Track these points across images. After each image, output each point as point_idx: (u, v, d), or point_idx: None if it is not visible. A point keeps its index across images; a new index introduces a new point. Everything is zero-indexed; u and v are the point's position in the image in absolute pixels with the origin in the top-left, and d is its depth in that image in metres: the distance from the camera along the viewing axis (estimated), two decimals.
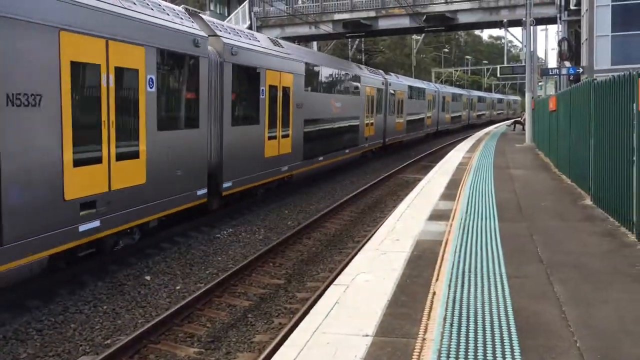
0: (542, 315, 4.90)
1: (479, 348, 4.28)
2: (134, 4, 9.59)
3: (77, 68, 8.08)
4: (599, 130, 9.66)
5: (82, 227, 8.25)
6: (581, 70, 25.20)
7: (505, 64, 36.40)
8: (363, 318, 4.93)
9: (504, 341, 4.39)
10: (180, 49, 10.72)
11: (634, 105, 7.45)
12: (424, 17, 32.31)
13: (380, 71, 30.87)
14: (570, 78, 26.84)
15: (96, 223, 8.54)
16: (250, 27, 33.27)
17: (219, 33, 12.66)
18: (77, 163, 8.08)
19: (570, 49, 28.79)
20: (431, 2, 32.32)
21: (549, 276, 6.00)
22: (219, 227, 12.58)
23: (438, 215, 9.40)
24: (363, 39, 54.31)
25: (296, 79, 16.71)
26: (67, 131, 7.88)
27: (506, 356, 4.13)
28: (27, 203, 7.26)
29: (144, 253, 10.26)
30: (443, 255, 6.87)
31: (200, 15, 12.93)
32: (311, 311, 5.27)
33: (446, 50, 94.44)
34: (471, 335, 4.52)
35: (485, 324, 4.72)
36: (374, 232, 9.36)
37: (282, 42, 17.26)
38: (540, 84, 40.34)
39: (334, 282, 6.14)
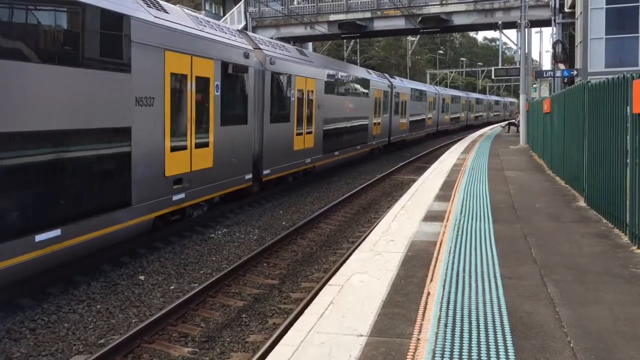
0: (536, 316, 4.92)
1: (473, 348, 4.29)
2: (205, 27, 12.02)
3: (174, 77, 10.53)
4: (593, 132, 9.70)
5: (175, 198, 10.72)
6: (575, 72, 25.32)
7: (500, 66, 36.47)
8: (358, 318, 4.93)
9: (498, 341, 4.40)
10: (235, 60, 13.12)
11: (627, 107, 7.48)
12: (419, 18, 32.41)
13: (386, 75, 31.67)
14: (564, 80, 26.97)
15: (182, 195, 10.98)
16: (245, 28, 33.25)
17: (261, 46, 15.24)
18: (173, 149, 10.54)
19: (565, 52, 28.95)
20: (426, 3, 32.42)
21: (542, 277, 6.02)
22: (213, 227, 12.57)
23: (433, 216, 9.42)
24: (358, 40, 54.37)
25: (318, 84, 19.09)
26: (168, 125, 10.31)
27: (500, 356, 4.15)
28: (144, 177, 9.66)
29: (138, 253, 10.23)
30: (437, 256, 6.89)
31: (245, 32, 15.42)
32: (306, 311, 5.27)
33: (441, 51, 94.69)
34: (465, 335, 4.53)
35: (480, 324, 4.74)
36: (369, 233, 9.36)
37: (305, 51, 19.87)
38: (534, 86, 40.49)
39: (329, 283, 6.15)
